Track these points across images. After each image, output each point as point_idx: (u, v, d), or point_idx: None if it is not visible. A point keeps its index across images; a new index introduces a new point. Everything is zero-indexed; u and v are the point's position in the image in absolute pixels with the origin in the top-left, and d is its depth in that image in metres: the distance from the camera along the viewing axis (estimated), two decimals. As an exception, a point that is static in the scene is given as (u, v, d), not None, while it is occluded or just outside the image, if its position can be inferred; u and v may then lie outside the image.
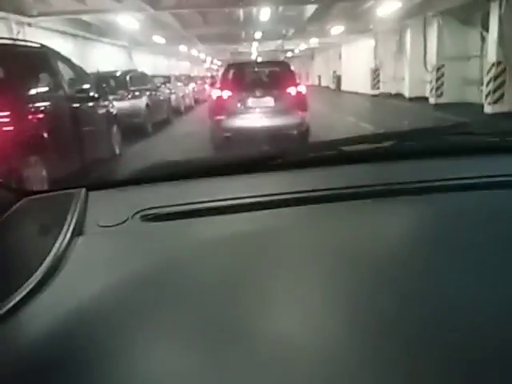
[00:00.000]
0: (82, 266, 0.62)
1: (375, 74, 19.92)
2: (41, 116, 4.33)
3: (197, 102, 17.87)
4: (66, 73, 5.25)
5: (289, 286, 0.54)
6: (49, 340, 0.47)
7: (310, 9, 14.19)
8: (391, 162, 0.99)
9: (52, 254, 0.62)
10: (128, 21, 13.33)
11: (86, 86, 5.81)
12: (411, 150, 1.03)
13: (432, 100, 13.91)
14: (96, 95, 5.88)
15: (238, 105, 7.17)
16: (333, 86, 28.04)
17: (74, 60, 5.95)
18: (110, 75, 9.39)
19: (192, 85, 18.34)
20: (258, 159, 1.01)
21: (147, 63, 21.72)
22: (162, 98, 11.45)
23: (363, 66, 20.88)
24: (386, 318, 0.47)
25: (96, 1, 10.13)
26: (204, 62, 39.01)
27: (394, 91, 18.15)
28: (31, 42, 5.00)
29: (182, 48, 24.05)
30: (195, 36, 20.13)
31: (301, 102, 7.22)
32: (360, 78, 21.46)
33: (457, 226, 0.67)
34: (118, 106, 7.27)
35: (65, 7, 10.29)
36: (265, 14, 14.37)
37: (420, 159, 0.97)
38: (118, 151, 6.64)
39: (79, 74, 5.80)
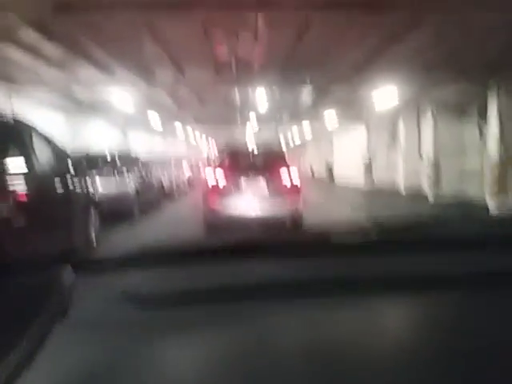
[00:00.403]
0: (60, 349, 0.60)
1: (368, 166, 19.67)
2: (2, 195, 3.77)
3: (191, 185, 18.08)
4: (40, 150, 4.71)
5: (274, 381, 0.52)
6: None
7: (306, 97, 14.33)
8: (377, 254, 0.97)
9: (29, 335, 0.60)
10: (122, 98, 13.14)
11: (62, 166, 5.26)
12: (398, 244, 1.04)
13: (429, 193, 13.53)
14: (73, 176, 5.36)
15: (232, 192, 7.11)
16: (325, 177, 27.73)
17: (66, 136, 5.49)
18: (99, 156, 9.13)
19: (186, 166, 18.41)
20: (246, 245, 1.01)
21: (142, 142, 21.72)
22: (153, 181, 11.30)
23: (355, 156, 20.72)
24: None
25: (86, 74, 9.81)
26: (200, 143, 39.56)
27: (387, 183, 17.62)
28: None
29: (178, 128, 24.30)
30: (192, 117, 20.34)
31: (295, 192, 7.31)
32: (352, 170, 21.31)
33: (433, 323, 0.67)
34: (104, 188, 6.93)
35: (53, 79, 9.85)
36: (261, 99, 14.65)
37: (406, 253, 0.98)
38: (93, 239, 5.87)
39: (57, 151, 5.26)
